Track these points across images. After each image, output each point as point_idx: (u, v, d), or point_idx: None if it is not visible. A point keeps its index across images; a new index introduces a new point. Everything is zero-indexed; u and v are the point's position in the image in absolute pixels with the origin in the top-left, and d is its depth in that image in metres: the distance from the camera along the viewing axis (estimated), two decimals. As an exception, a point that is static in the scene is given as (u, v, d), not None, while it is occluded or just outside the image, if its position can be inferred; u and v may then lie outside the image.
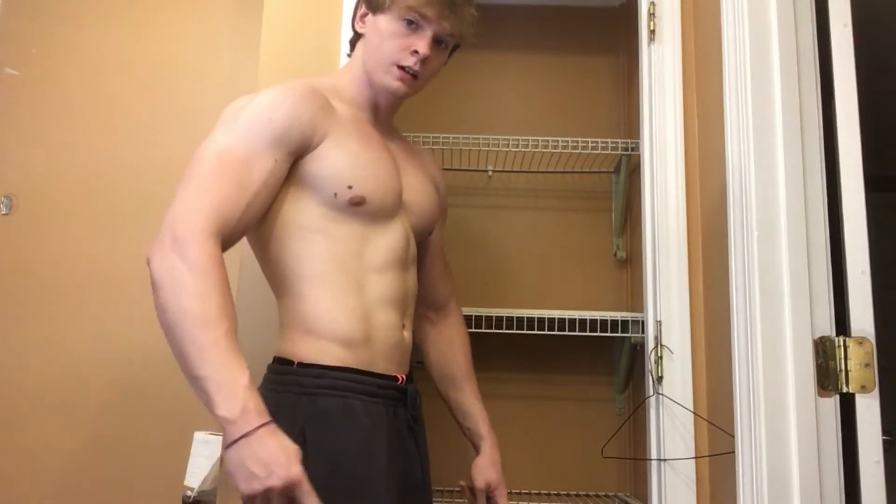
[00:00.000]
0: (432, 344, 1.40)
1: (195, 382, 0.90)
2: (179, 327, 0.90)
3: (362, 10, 1.21)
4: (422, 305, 1.37)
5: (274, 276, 1.13)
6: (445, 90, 2.15)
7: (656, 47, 1.71)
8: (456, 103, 2.14)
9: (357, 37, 1.24)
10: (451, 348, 1.40)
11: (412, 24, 1.15)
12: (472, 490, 1.31)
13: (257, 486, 0.86)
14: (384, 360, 1.13)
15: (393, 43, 1.15)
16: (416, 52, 1.14)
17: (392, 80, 1.16)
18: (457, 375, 1.38)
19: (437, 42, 1.17)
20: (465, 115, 2.13)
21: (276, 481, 0.86)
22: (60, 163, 1.79)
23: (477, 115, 2.13)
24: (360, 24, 1.22)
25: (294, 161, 1.08)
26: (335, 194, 1.09)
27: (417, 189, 1.25)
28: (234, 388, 0.89)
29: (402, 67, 1.15)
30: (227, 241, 1.00)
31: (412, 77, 1.16)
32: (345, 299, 1.09)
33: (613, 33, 2.18)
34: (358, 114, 1.19)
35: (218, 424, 0.90)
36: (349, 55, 1.26)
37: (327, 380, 1.06)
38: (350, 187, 1.08)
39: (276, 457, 0.87)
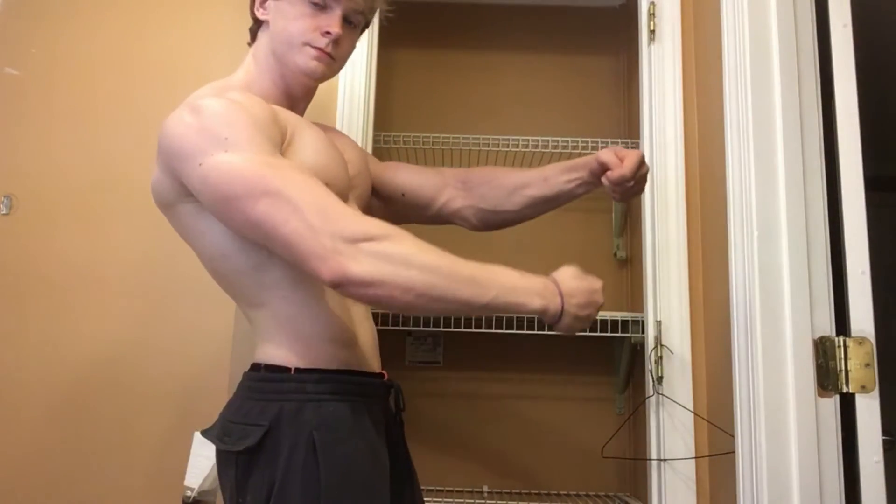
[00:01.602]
0: (480, 200, 1.31)
1: (490, 309, 0.93)
2: (438, 286, 0.90)
3: None
4: (435, 203, 1.32)
5: (245, 287, 1.06)
6: (445, 90, 2.16)
7: (656, 47, 1.72)
8: (456, 103, 2.14)
9: (258, 25, 1.16)
10: (492, 178, 1.31)
11: (318, 6, 1.09)
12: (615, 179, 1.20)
13: (594, 315, 1.00)
14: (370, 357, 1.11)
15: (300, 24, 1.09)
16: (327, 32, 1.09)
17: (308, 60, 1.09)
18: (519, 180, 1.29)
19: (346, 22, 1.12)
20: (465, 115, 2.13)
21: (600, 298, 1.01)
22: (60, 163, 1.79)
23: (477, 115, 2.13)
24: (260, 10, 1.14)
25: None
26: None
27: (355, 160, 1.22)
28: (522, 286, 0.95)
29: (315, 48, 1.09)
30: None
31: (329, 56, 1.10)
32: (330, 298, 1.06)
33: (613, 33, 2.18)
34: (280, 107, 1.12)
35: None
36: (249, 44, 1.18)
37: (329, 384, 1.03)
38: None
39: (586, 295, 0.99)
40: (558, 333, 1.00)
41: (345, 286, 0.88)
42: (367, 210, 1.25)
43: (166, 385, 1.70)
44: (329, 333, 1.06)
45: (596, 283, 1.01)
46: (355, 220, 0.90)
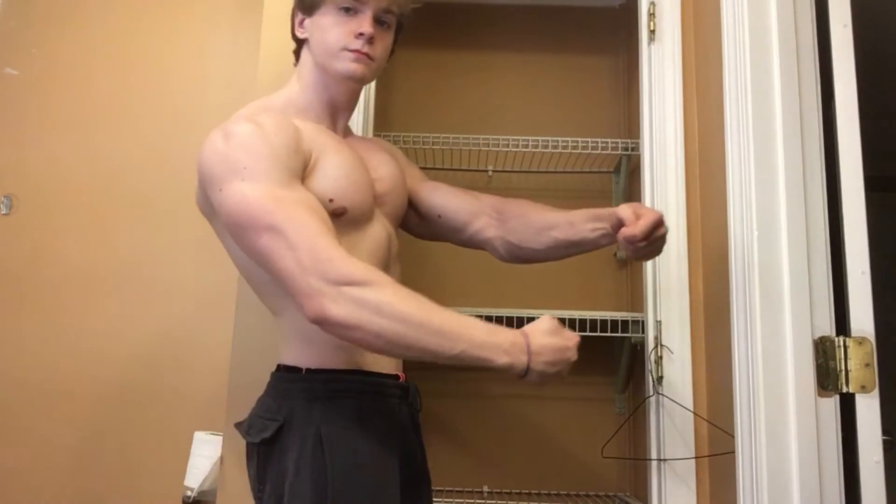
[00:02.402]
0: (510, 234, 1.32)
1: (458, 360, 0.96)
2: (407, 336, 0.94)
3: (299, 17, 1.21)
4: (468, 228, 1.34)
5: (270, 294, 1.14)
6: (445, 90, 2.15)
7: (656, 47, 1.71)
8: (456, 103, 2.14)
9: (300, 45, 1.23)
10: (523, 214, 1.33)
11: (349, 11, 1.15)
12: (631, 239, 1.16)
13: (565, 371, 1.00)
14: (384, 360, 1.14)
15: (336, 32, 1.15)
16: (360, 34, 1.14)
17: (348, 63, 1.15)
18: (546, 221, 1.30)
19: (378, 23, 1.17)
20: (465, 115, 2.13)
21: (572, 356, 1.01)
22: (60, 163, 1.80)
23: (477, 115, 2.13)
24: (300, 30, 1.21)
25: None
26: None
27: (386, 177, 1.25)
28: (490, 342, 0.96)
29: (352, 50, 1.15)
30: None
31: (367, 56, 1.15)
32: None
33: (613, 33, 2.18)
34: (317, 125, 1.18)
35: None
36: (295, 65, 1.25)
37: (337, 384, 1.09)
38: (331, 200, 1.09)
39: (555, 353, 0.99)
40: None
41: (323, 325, 0.95)
42: (402, 224, 1.31)
43: (166, 385, 1.70)
44: (338, 340, 1.08)
45: (569, 341, 1.01)
46: (342, 264, 0.95)
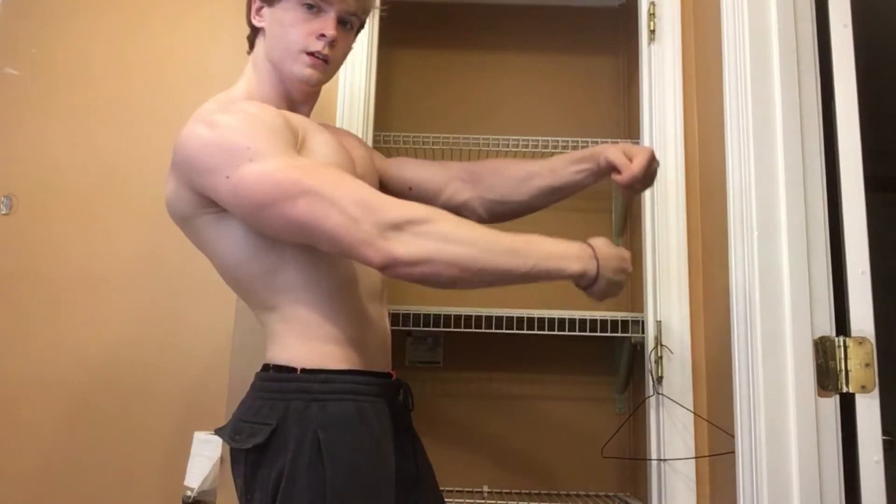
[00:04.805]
0: (488, 191, 1.31)
1: (531, 276, 0.97)
2: (479, 259, 0.95)
3: (257, 3, 1.16)
4: (442, 195, 1.32)
5: (258, 291, 1.09)
6: (445, 90, 2.16)
7: (656, 47, 1.72)
8: (456, 103, 2.14)
9: (255, 33, 1.18)
10: (499, 170, 1.32)
11: (313, 9, 1.11)
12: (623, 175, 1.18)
13: (624, 283, 1.02)
14: (379, 357, 1.13)
15: (297, 30, 1.11)
16: (322, 35, 1.10)
17: (303, 68, 1.12)
18: (527, 170, 1.29)
19: (341, 23, 1.13)
20: (465, 115, 2.13)
21: (629, 268, 1.03)
22: (60, 163, 1.79)
23: (477, 115, 2.13)
24: (256, 17, 1.16)
25: None
26: None
27: (361, 159, 1.23)
28: (559, 251, 0.99)
29: (311, 54, 1.11)
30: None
31: (323, 62, 1.12)
32: (341, 299, 1.09)
33: (613, 33, 2.18)
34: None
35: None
36: (249, 53, 1.20)
37: (335, 384, 1.05)
38: None
39: (619, 261, 1.01)
40: (590, 298, 1.02)
41: (394, 267, 0.93)
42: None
43: (166, 385, 1.70)
44: (336, 335, 1.07)
45: (626, 253, 1.03)
46: (395, 206, 0.96)
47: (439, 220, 0.95)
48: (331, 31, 1.10)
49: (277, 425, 1.00)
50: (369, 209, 0.94)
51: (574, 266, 0.98)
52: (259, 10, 1.16)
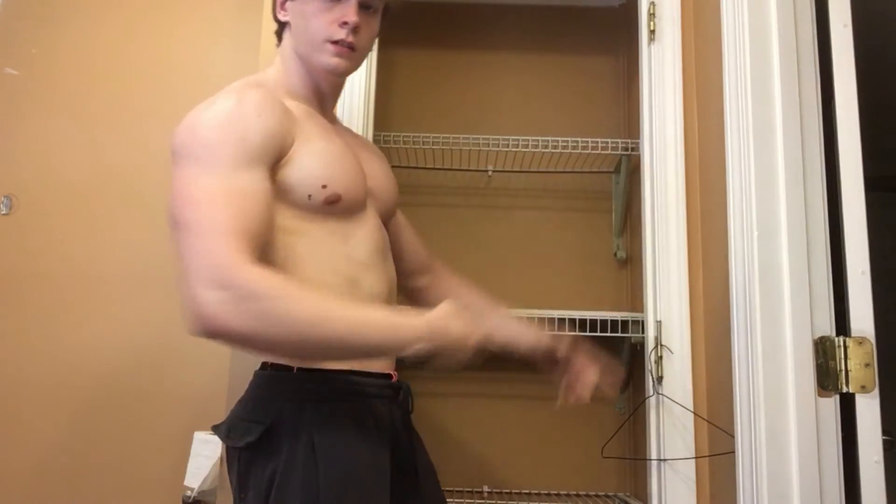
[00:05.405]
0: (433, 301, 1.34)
1: (374, 353, 0.97)
2: (314, 336, 0.91)
3: None
4: (410, 277, 1.36)
5: None
6: (445, 90, 2.16)
7: (656, 47, 1.71)
8: (456, 103, 2.14)
9: (282, 27, 1.19)
10: (452, 292, 1.36)
11: None
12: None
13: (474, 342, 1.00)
14: (379, 358, 1.11)
15: (319, 20, 1.10)
16: (345, 22, 1.10)
17: (329, 58, 1.11)
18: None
19: (363, 8, 1.12)
20: (465, 115, 2.13)
21: (472, 347, 1.00)
22: (60, 163, 1.79)
23: (477, 115, 2.13)
24: (281, 12, 1.17)
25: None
26: (309, 196, 1.05)
27: (377, 174, 1.23)
28: (404, 328, 0.95)
29: (335, 42, 1.11)
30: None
31: (349, 49, 1.12)
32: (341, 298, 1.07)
33: (613, 33, 2.18)
34: (308, 108, 1.15)
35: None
36: (278, 45, 1.21)
37: (331, 384, 1.04)
38: (325, 186, 1.05)
39: (457, 343, 0.98)
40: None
41: (211, 336, 0.88)
42: (388, 224, 1.28)
43: (166, 385, 1.70)
44: None
45: (476, 329, 1.02)
46: (241, 271, 0.88)
47: (281, 298, 0.89)
48: (352, 17, 1.10)
49: (271, 424, 1.00)
50: (210, 256, 0.88)
51: (409, 349, 0.95)
52: (283, 4, 1.17)
